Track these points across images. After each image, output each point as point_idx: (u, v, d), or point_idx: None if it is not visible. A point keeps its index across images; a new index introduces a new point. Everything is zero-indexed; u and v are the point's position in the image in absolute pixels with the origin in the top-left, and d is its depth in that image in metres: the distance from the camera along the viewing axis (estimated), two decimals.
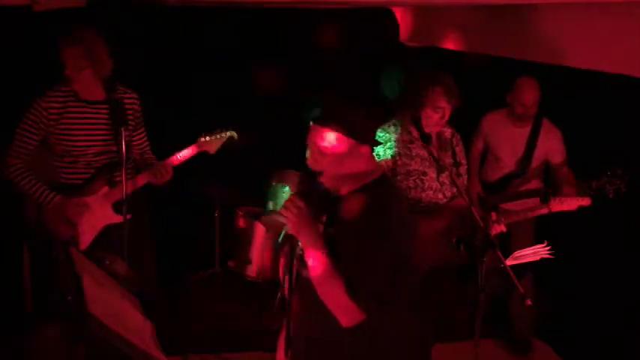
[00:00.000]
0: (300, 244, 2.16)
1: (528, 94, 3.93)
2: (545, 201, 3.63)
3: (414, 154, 3.33)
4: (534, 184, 4.05)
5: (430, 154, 3.28)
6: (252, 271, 4.62)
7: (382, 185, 2.21)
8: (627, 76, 3.30)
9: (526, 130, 4.04)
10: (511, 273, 2.83)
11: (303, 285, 2.20)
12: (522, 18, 4.09)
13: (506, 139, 4.09)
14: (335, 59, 5.29)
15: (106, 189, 3.36)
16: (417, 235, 2.44)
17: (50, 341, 3.77)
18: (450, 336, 4.09)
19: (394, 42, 5.64)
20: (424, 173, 3.34)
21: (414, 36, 5.58)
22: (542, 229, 3.93)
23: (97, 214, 3.36)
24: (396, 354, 2.27)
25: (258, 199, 4.41)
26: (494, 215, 3.19)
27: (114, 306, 2.27)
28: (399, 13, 5.64)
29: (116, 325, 2.04)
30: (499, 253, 2.85)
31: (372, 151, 2.19)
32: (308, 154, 2.19)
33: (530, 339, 4.26)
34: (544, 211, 3.44)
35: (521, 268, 3.22)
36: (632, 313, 3.87)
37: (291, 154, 4.89)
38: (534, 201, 3.58)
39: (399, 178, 3.32)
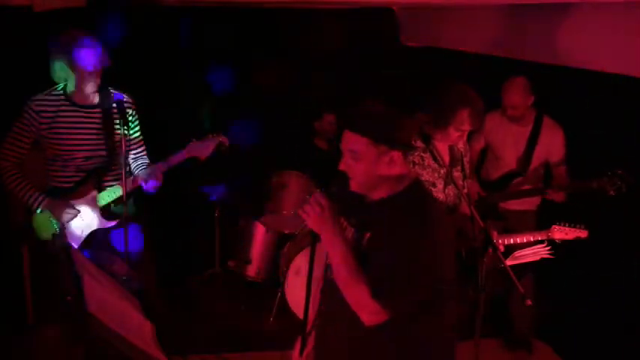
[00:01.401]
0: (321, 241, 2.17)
1: (515, 95, 3.94)
2: (543, 192, 3.76)
3: (426, 164, 3.31)
4: (534, 182, 4.04)
5: (431, 153, 3.26)
6: (252, 271, 4.63)
7: (416, 192, 2.20)
8: (627, 76, 3.30)
9: (527, 129, 4.03)
10: (511, 273, 2.83)
11: (329, 287, 2.22)
12: (522, 18, 4.09)
13: (507, 137, 4.08)
14: (335, 59, 5.29)
15: (94, 193, 3.35)
16: (453, 241, 2.44)
17: (50, 341, 3.77)
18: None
19: (394, 42, 5.64)
20: (433, 184, 3.33)
21: (414, 36, 5.59)
22: (541, 225, 3.92)
23: (85, 218, 3.35)
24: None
25: (258, 199, 4.44)
26: (495, 235, 3.16)
27: (114, 306, 2.26)
28: (399, 13, 5.64)
29: (116, 325, 2.04)
30: (499, 253, 2.85)
31: (405, 156, 2.17)
32: (342, 160, 2.19)
33: (530, 339, 4.26)
34: (542, 237, 3.42)
35: (521, 268, 3.21)
36: (632, 313, 3.87)
37: (291, 154, 4.93)
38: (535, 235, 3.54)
39: None
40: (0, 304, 3.98)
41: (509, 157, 4.09)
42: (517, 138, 4.05)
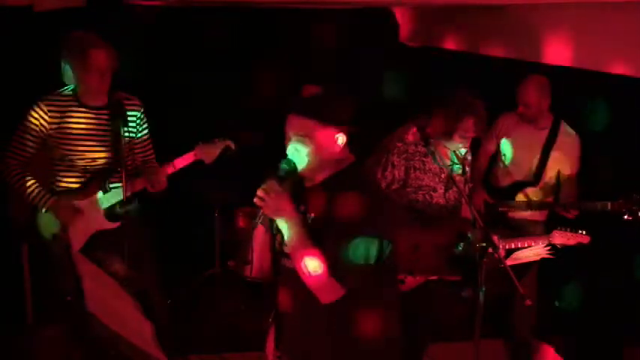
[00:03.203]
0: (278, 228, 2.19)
1: (530, 93, 3.77)
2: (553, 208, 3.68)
3: (427, 168, 3.32)
4: (545, 196, 3.91)
5: (432, 154, 3.26)
6: (252, 271, 4.62)
7: (359, 169, 2.29)
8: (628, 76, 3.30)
9: (543, 133, 3.84)
10: (511, 273, 2.82)
11: (288, 276, 2.23)
12: (523, 18, 4.09)
13: (521, 140, 3.90)
14: (335, 59, 5.29)
15: (100, 194, 3.35)
16: (398, 220, 2.50)
17: (50, 341, 3.77)
18: (450, 336, 4.09)
19: (394, 42, 5.64)
20: (434, 189, 3.34)
21: (414, 36, 5.59)
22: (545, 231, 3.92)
23: (89, 219, 3.35)
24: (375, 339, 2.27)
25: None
26: (495, 239, 3.14)
27: (114, 306, 2.26)
28: (399, 13, 5.64)
29: (116, 325, 2.03)
30: (499, 253, 2.85)
31: (348, 135, 2.20)
32: (287, 145, 2.20)
33: (530, 339, 4.26)
34: (543, 242, 3.39)
35: (521, 268, 3.21)
36: (633, 313, 3.87)
37: None
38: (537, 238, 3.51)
39: (408, 190, 3.32)
40: (0, 304, 3.98)
41: (522, 160, 3.92)
42: (532, 141, 3.87)
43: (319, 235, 2.13)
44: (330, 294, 2.13)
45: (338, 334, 2.22)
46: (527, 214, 3.96)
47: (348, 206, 2.10)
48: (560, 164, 3.86)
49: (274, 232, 2.22)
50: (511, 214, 3.99)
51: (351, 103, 2.21)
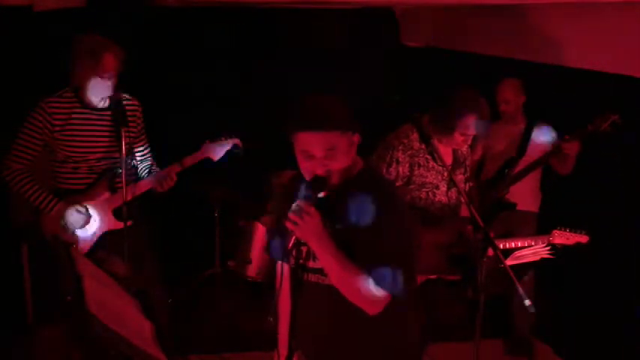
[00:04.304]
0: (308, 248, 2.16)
1: (508, 91, 4.19)
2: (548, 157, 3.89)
3: (430, 166, 3.31)
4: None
5: (431, 154, 3.26)
6: (252, 271, 4.63)
7: (372, 172, 2.28)
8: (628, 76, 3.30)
9: (520, 128, 4.20)
10: (511, 273, 2.82)
11: (313, 290, 2.21)
12: (523, 18, 4.10)
13: (501, 137, 4.24)
14: (335, 59, 5.29)
15: (107, 195, 3.34)
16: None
17: (50, 341, 3.77)
18: (450, 336, 4.09)
19: (394, 42, 5.64)
20: (437, 187, 3.34)
21: (414, 36, 5.59)
22: (542, 230, 3.92)
23: (98, 220, 3.35)
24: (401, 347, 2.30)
25: (258, 199, 4.43)
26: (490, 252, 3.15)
27: (114, 306, 2.26)
28: (399, 13, 5.64)
29: (116, 325, 2.03)
30: (499, 253, 2.85)
31: (360, 136, 2.18)
32: (308, 165, 2.11)
33: (530, 339, 4.26)
34: (543, 242, 3.41)
35: (521, 268, 3.21)
36: (632, 314, 3.87)
37: (291, 154, 4.92)
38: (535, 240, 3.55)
39: (412, 187, 3.31)
40: (0, 304, 3.98)
41: (504, 150, 4.21)
42: (511, 137, 4.19)
43: (350, 246, 2.10)
44: (377, 304, 2.10)
45: (366, 344, 2.22)
46: (520, 205, 4.02)
47: (372, 211, 2.08)
48: (544, 151, 4.06)
49: (297, 246, 2.15)
50: (508, 197, 4.12)
51: (346, 106, 2.17)
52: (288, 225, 2.05)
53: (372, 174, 2.28)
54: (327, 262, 2.10)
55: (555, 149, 3.91)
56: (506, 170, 4.11)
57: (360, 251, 2.09)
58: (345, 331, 2.21)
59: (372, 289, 2.07)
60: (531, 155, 4.06)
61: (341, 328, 2.21)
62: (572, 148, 3.80)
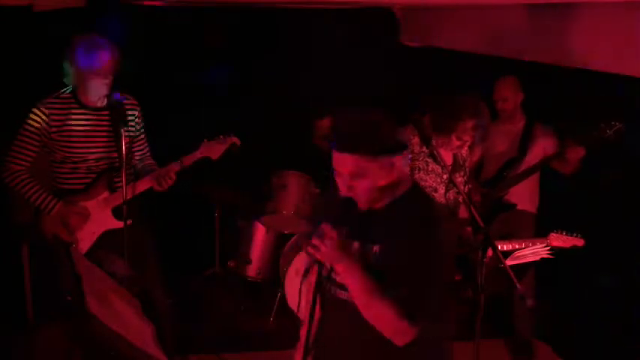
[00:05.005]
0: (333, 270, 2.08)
1: (506, 89, 4.18)
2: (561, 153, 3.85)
3: (429, 169, 3.32)
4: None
5: (432, 155, 3.26)
6: (252, 271, 4.64)
7: (418, 193, 2.16)
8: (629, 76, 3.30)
9: (519, 127, 4.19)
10: (511, 273, 2.83)
11: (337, 306, 2.14)
12: (523, 18, 4.09)
13: (500, 137, 4.21)
14: (335, 59, 5.29)
15: (106, 194, 3.34)
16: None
17: (50, 341, 3.77)
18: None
19: (394, 42, 5.64)
20: (435, 190, 3.34)
21: (414, 36, 5.58)
22: (543, 230, 3.92)
23: (97, 220, 3.35)
24: None
25: (258, 199, 4.42)
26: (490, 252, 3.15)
27: (114, 306, 2.27)
28: (399, 13, 5.64)
29: (116, 325, 2.04)
30: (499, 253, 2.85)
31: (403, 157, 2.08)
32: (338, 181, 2.07)
33: (531, 339, 4.26)
34: (542, 244, 3.41)
35: (521, 268, 3.21)
36: (632, 313, 3.87)
37: (291, 153, 4.92)
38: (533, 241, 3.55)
39: None
40: (0, 303, 3.98)
41: (504, 151, 4.19)
42: (510, 134, 4.18)
43: (383, 270, 2.01)
44: (404, 335, 2.00)
45: None
46: (518, 205, 4.03)
47: (409, 236, 2.00)
48: (544, 152, 4.07)
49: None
50: (507, 197, 4.11)
51: (392, 124, 2.07)
52: (309, 250, 2.00)
53: (418, 197, 2.15)
54: (351, 285, 2.03)
55: (558, 154, 3.90)
56: (507, 171, 4.10)
57: (391, 277, 2.00)
58: (368, 356, 2.12)
59: (398, 318, 1.97)
60: (533, 156, 4.05)
61: (363, 352, 2.12)
62: (576, 153, 3.81)
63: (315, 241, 2.00)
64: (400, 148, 2.07)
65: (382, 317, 2.00)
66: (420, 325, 1.98)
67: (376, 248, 2.07)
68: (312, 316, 2.18)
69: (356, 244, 2.11)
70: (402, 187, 2.11)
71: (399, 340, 2.01)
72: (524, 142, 4.13)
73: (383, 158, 2.01)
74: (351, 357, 2.17)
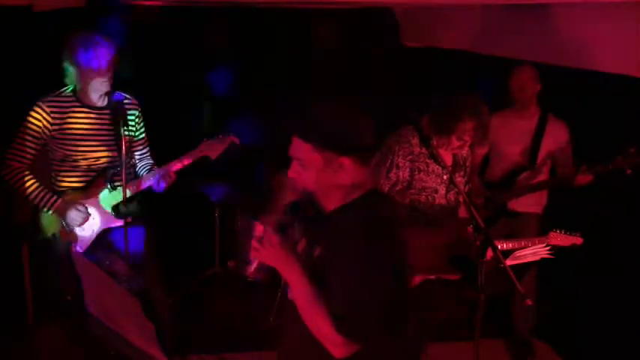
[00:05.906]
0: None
1: (524, 77, 3.92)
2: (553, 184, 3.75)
3: (430, 170, 3.32)
4: (541, 177, 3.99)
5: (432, 156, 3.26)
6: (252, 271, 4.63)
7: (369, 202, 2.02)
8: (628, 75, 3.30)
9: (532, 124, 3.98)
10: (511, 273, 2.83)
11: (290, 307, 2.08)
12: (523, 18, 4.09)
13: (512, 133, 4.00)
14: (335, 59, 5.29)
15: (105, 193, 3.35)
16: (408, 249, 2.26)
17: (50, 341, 3.77)
18: (450, 336, 4.09)
19: (394, 42, 5.64)
20: (436, 190, 3.35)
21: (414, 36, 5.59)
22: (543, 230, 3.92)
23: (96, 218, 3.35)
24: None
25: (258, 199, 4.41)
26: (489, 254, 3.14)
27: (114, 306, 2.27)
28: (399, 13, 5.64)
29: (116, 325, 2.04)
30: (499, 253, 2.85)
31: (361, 161, 1.98)
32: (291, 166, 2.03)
33: (531, 339, 4.26)
34: (542, 243, 3.41)
35: (521, 268, 3.21)
36: (632, 313, 3.87)
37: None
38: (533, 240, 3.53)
39: (412, 191, 3.31)
40: (0, 303, 3.98)
41: (514, 153, 4.02)
42: (522, 133, 3.99)
43: (323, 276, 1.93)
44: (340, 348, 1.91)
45: None
46: (524, 207, 3.99)
47: (354, 245, 1.89)
48: (553, 149, 3.97)
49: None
50: (511, 205, 4.02)
51: (365, 127, 1.98)
52: (253, 253, 1.99)
53: (369, 204, 2.01)
54: (293, 290, 1.99)
55: (567, 179, 3.80)
56: (515, 179, 3.99)
57: (326, 288, 1.91)
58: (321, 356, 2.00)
59: (333, 331, 1.88)
60: (544, 151, 3.95)
61: (317, 353, 2.00)
62: (585, 179, 3.72)
63: (255, 244, 1.99)
64: (359, 150, 1.97)
65: (318, 326, 1.93)
66: (357, 342, 1.90)
67: (317, 252, 2.02)
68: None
69: (301, 246, 2.08)
70: (356, 193, 2.01)
71: (336, 352, 1.93)
72: (536, 145, 3.96)
73: (328, 153, 1.93)
74: (305, 356, 2.09)
